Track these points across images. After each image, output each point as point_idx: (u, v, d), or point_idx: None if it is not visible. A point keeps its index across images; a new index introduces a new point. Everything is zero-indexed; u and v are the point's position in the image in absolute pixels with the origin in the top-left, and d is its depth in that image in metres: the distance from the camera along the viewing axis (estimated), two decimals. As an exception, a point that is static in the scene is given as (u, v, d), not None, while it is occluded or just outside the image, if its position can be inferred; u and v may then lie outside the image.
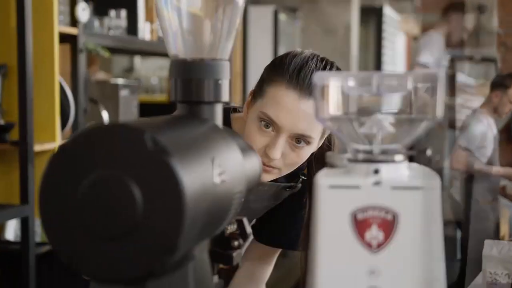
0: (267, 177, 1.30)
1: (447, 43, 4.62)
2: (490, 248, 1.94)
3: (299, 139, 1.26)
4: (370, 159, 0.70)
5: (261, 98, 1.27)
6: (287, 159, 1.27)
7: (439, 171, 4.49)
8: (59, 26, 2.53)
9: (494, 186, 4.48)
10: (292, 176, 1.41)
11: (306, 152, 1.29)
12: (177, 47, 0.81)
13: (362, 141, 0.72)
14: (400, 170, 0.70)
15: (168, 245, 0.60)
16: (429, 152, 3.29)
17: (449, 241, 3.86)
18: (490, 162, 4.33)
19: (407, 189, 0.67)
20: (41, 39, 2.44)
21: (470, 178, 4.36)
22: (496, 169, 4.44)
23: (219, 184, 0.68)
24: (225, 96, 0.81)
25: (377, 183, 0.68)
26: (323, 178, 0.69)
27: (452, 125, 4.89)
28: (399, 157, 0.70)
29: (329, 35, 5.38)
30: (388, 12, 7.23)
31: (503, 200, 4.58)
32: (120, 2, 3.05)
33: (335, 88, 0.71)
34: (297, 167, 1.32)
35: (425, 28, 9.86)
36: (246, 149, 0.86)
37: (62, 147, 0.63)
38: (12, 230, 2.62)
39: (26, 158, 2.29)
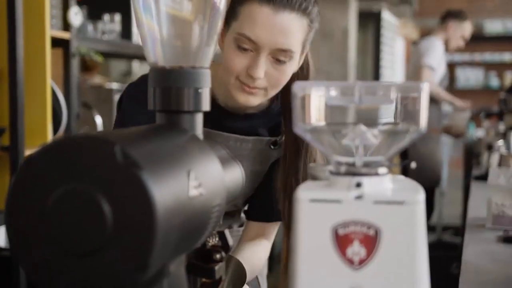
0: (254, 100, 1.28)
1: (445, 49, 4.66)
2: (497, 176, 1.80)
3: (280, 56, 1.24)
4: (352, 172, 0.67)
5: (235, 20, 1.25)
6: (270, 78, 1.26)
7: (434, 180, 4.52)
8: (52, 30, 2.50)
9: (439, 116, 4.71)
10: (275, 132, 1.40)
11: (289, 68, 1.27)
12: (156, 55, 0.79)
13: (345, 152, 0.69)
14: (383, 184, 0.67)
15: (139, 262, 0.57)
16: (413, 165, 3.30)
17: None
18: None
19: (390, 204, 0.65)
20: (32, 43, 2.41)
21: None
22: (444, 93, 4.65)
23: (196, 197, 0.66)
24: (205, 105, 0.79)
25: (359, 197, 0.65)
26: (304, 192, 0.66)
27: (447, 131, 4.93)
28: (382, 170, 0.68)
29: (326, 39, 5.35)
30: (387, 16, 7.21)
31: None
32: (114, 6, 3.03)
33: (316, 98, 0.68)
34: (282, 85, 1.29)
35: (424, 33, 9.86)
36: (227, 159, 0.83)
37: (30, 159, 0.60)
38: (3, 236, 2.59)
39: (17, 164, 2.26)
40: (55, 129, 2.52)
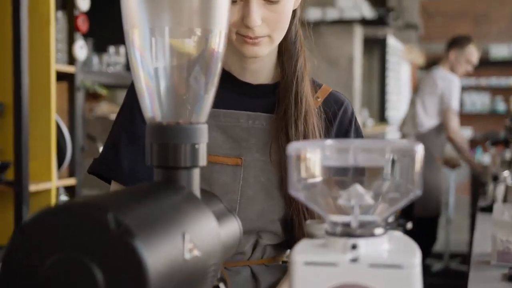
0: (261, 50, 1.21)
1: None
2: (501, 212, 1.78)
3: None
4: (348, 233, 0.67)
5: None
6: (269, 22, 1.19)
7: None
8: (57, 64, 2.52)
9: (445, 147, 4.67)
10: None
11: (286, 7, 1.20)
12: (153, 110, 0.79)
13: (340, 210, 0.69)
14: (379, 245, 0.67)
15: (133, 330, 0.57)
16: (409, 225, 3.31)
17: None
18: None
19: (386, 268, 0.64)
20: (38, 78, 2.43)
21: (430, 133, 4.51)
22: (466, 150, 4.69)
23: (191, 259, 0.66)
24: (202, 161, 0.78)
25: (354, 260, 0.65)
26: (299, 254, 0.66)
27: (445, 162, 4.95)
28: (378, 231, 0.67)
29: (332, 67, 5.37)
30: (392, 42, 7.23)
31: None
32: (119, 38, 3.05)
33: (311, 159, 0.68)
34: (286, 27, 1.22)
35: (429, 57, 9.89)
36: (224, 213, 0.83)
37: (23, 226, 0.60)
38: None
39: (21, 199, 2.26)
40: (60, 163, 2.53)
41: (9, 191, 2.34)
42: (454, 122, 4.44)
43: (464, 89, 10.08)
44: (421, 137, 4.56)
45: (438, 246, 5.84)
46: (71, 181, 2.62)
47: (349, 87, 5.46)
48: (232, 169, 1.23)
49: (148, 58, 0.77)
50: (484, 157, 7.58)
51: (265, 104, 1.29)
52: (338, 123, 1.32)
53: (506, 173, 3.03)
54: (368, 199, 0.68)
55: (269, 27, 1.19)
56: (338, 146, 0.68)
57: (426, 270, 5.56)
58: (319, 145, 0.68)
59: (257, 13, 1.16)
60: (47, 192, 2.46)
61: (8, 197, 2.35)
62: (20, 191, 2.28)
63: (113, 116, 3.23)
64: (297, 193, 0.69)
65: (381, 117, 7.04)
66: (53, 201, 2.45)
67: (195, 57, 0.78)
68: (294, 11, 1.29)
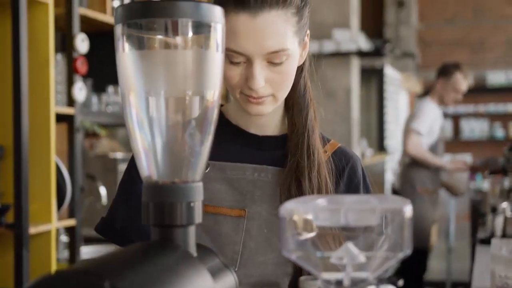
0: (265, 108, 1.20)
1: (443, 104, 4.68)
2: (499, 247, 1.77)
3: (274, 58, 1.15)
4: (340, 292, 0.69)
5: None
6: (273, 82, 1.18)
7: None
8: (56, 106, 2.55)
9: (434, 176, 4.55)
10: None
11: (289, 67, 1.18)
12: (149, 169, 0.81)
13: (333, 267, 0.71)
14: (371, 303, 0.68)
15: None
16: (401, 283, 3.32)
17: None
18: (432, 151, 4.49)
19: (377, 326, 0.66)
20: (37, 120, 2.46)
21: (411, 164, 4.50)
22: (447, 161, 4.61)
23: (187, 320, 0.67)
24: (198, 218, 0.80)
25: (347, 319, 0.66)
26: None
27: (447, 188, 4.93)
28: (370, 288, 0.69)
29: (330, 99, 5.41)
30: (389, 71, 7.28)
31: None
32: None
33: (303, 219, 0.70)
34: (290, 85, 1.21)
35: (427, 85, 9.96)
36: (220, 269, 0.84)
37: (22, 293, 0.62)
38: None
39: (21, 241, 2.27)
40: (59, 204, 2.54)
41: (9, 234, 2.35)
42: (410, 139, 4.39)
43: (463, 116, 10.13)
44: (406, 168, 4.59)
45: (440, 275, 5.82)
46: (71, 222, 2.64)
47: (347, 118, 5.49)
48: (235, 221, 1.23)
49: (144, 120, 0.80)
50: (484, 184, 7.58)
51: (272, 156, 1.29)
52: (347, 179, 1.31)
53: (504, 204, 3.03)
54: (360, 257, 0.69)
55: (273, 87, 1.19)
56: (330, 207, 0.70)
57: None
58: (311, 206, 0.70)
59: (261, 75, 1.16)
60: (47, 233, 2.47)
61: (8, 240, 2.36)
62: (20, 233, 2.29)
63: (113, 154, 3.26)
64: (290, 253, 0.71)
65: (380, 146, 7.07)
66: (53, 243, 2.45)
67: (190, 118, 0.80)
68: (302, 65, 1.29)
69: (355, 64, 5.59)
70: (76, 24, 2.66)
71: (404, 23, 9.71)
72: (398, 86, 7.95)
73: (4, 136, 2.43)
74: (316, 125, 1.29)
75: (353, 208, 0.69)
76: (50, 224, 2.46)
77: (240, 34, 1.13)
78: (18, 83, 2.37)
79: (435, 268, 6.50)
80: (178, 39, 0.80)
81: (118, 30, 0.79)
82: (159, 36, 0.85)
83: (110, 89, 3.04)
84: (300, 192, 1.23)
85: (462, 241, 6.30)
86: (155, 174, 0.81)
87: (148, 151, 0.80)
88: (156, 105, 0.80)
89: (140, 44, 0.79)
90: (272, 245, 1.24)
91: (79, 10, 2.68)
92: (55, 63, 2.58)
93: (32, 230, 2.38)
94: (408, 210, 0.68)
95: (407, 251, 0.69)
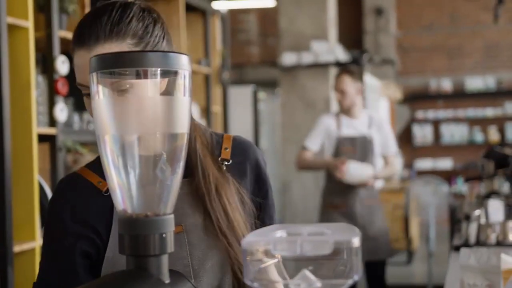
0: None
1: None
2: (467, 256, 1.82)
3: (118, 87, 1.13)
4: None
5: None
6: None
7: None
8: (38, 127, 2.61)
9: (338, 192, 4.19)
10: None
11: (138, 95, 1.14)
12: (124, 204, 0.88)
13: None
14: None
15: None
16: None
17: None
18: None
19: None
20: (20, 141, 2.51)
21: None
22: (315, 161, 4.16)
23: None
24: (170, 247, 0.87)
25: None
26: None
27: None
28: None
29: (309, 109, 5.50)
30: (369, 80, 7.39)
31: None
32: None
33: (263, 250, 0.78)
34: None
35: (407, 91, 10.09)
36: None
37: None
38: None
39: (5, 260, 2.33)
40: (43, 222, 2.60)
41: (-6, 253, 2.40)
42: (298, 156, 4.24)
43: (442, 121, 10.28)
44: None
45: (422, 279, 5.91)
46: (55, 239, 2.68)
47: (327, 127, 5.57)
48: (178, 237, 1.28)
49: (119, 158, 0.87)
50: (464, 188, 7.70)
51: None
52: (255, 170, 1.38)
53: (477, 212, 3.09)
54: (316, 283, 0.77)
55: None
56: (288, 239, 0.78)
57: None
58: (271, 239, 0.77)
59: None
60: (32, 251, 2.52)
61: (-7, 259, 2.42)
62: (5, 252, 2.34)
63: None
64: (252, 281, 0.78)
65: (361, 154, 7.15)
66: (37, 260, 2.51)
67: (160, 156, 0.88)
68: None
69: (333, 74, 5.69)
70: (56, 46, 2.73)
71: (383, 31, 9.85)
72: (378, 94, 8.06)
73: (-13, 157, 2.49)
74: (203, 148, 1.33)
75: (308, 240, 0.77)
76: (34, 242, 2.51)
77: (80, 68, 1.23)
78: (1, 105, 2.42)
79: (417, 272, 6.60)
80: (148, 86, 0.87)
81: (93, 78, 0.86)
82: (131, 83, 0.93)
83: (91, 107, 3.11)
84: (210, 210, 1.30)
85: (443, 245, 6.40)
86: (129, 208, 0.88)
87: (123, 187, 0.88)
88: (129, 145, 0.87)
89: (113, 91, 0.87)
90: (217, 247, 1.31)
91: (59, 33, 2.75)
92: (36, 85, 2.64)
93: (17, 248, 2.44)
94: (356, 240, 0.76)
95: (356, 276, 0.77)
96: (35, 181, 2.52)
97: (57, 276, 1.28)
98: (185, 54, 0.88)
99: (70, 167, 3.23)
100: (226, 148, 1.37)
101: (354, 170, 3.94)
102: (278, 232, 0.80)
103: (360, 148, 4.16)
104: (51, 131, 2.69)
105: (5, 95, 2.41)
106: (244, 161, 1.37)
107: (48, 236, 1.32)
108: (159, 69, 0.85)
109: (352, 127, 4.16)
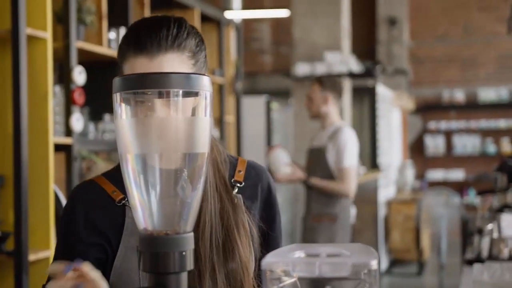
0: None
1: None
2: (481, 272, 1.82)
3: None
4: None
5: None
6: None
7: None
8: (55, 136, 2.64)
9: (320, 205, 4.05)
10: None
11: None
12: (145, 222, 0.90)
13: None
14: None
15: None
16: None
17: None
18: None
19: None
20: (37, 150, 2.54)
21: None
22: (315, 180, 3.97)
23: None
24: (189, 265, 0.89)
25: None
26: None
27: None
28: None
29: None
30: (381, 90, 7.39)
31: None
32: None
33: (282, 271, 0.79)
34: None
35: (419, 102, 10.08)
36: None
37: None
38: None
39: (21, 268, 2.35)
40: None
41: (9, 261, 2.43)
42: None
43: (455, 131, 10.24)
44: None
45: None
46: (69, 247, 2.71)
47: (339, 138, 5.56)
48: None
49: (140, 177, 0.89)
50: (476, 200, 7.67)
51: None
52: (265, 195, 1.38)
53: (490, 226, 3.08)
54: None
55: None
56: (306, 260, 0.79)
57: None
58: (290, 260, 0.79)
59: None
60: (46, 260, 2.55)
61: (9, 267, 2.44)
62: (20, 260, 2.37)
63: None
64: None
65: (373, 164, 7.15)
66: (52, 269, 2.53)
67: (181, 175, 0.90)
68: None
69: (347, 86, 5.70)
70: (74, 57, 2.76)
71: (396, 41, 9.84)
72: (391, 104, 8.06)
73: (4, 166, 2.52)
74: (213, 190, 1.31)
75: (326, 262, 0.78)
76: (49, 251, 2.54)
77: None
78: (18, 115, 2.45)
79: (427, 283, 6.58)
80: (171, 106, 0.89)
81: (117, 98, 0.88)
82: (153, 104, 0.94)
83: (107, 117, 3.13)
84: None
85: (454, 257, 6.37)
86: (150, 225, 0.90)
87: (144, 205, 0.90)
88: (151, 164, 0.89)
89: (136, 111, 0.89)
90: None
91: (76, 44, 2.78)
92: (53, 95, 2.67)
93: (32, 257, 2.46)
94: (374, 262, 0.77)
95: (373, 299, 0.78)
96: (51, 190, 2.55)
97: None
98: (207, 75, 0.90)
99: (84, 174, 3.25)
100: (239, 171, 1.37)
101: (274, 157, 3.97)
102: (296, 253, 0.82)
103: (312, 158, 4.10)
104: (67, 140, 2.72)
105: (23, 105, 2.45)
106: (256, 185, 1.38)
107: (60, 241, 1.34)
108: (181, 90, 0.87)
109: (317, 139, 4.13)
